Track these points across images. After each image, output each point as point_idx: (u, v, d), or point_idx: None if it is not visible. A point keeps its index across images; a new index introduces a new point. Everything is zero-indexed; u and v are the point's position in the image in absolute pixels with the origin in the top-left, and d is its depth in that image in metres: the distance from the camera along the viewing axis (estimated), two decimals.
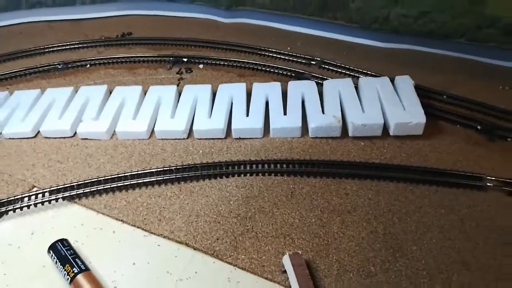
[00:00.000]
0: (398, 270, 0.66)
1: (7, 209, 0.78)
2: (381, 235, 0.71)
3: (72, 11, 1.51)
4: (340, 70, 1.15)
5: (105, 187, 0.81)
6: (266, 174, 0.84)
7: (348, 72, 1.14)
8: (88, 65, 1.23)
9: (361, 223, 0.74)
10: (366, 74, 1.12)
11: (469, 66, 1.13)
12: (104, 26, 1.48)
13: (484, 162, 0.85)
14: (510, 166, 0.83)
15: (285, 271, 0.65)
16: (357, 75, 1.12)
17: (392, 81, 1.03)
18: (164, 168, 0.84)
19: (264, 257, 0.68)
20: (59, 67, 1.22)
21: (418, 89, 1.03)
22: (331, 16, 1.25)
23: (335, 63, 1.18)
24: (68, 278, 0.65)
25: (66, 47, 1.33)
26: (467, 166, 0.84)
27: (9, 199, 0.80)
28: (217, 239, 0.71)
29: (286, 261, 0.66)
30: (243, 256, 0.69)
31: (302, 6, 1.28)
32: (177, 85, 1.10)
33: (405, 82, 0.99)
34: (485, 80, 1.08)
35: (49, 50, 1.31)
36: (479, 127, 0.93)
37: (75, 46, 1.33)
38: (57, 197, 0.79)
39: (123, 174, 0.83)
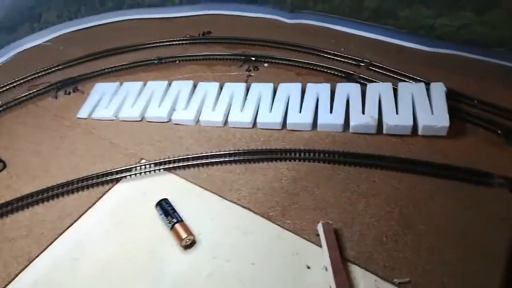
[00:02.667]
0: (404, 242, 0.87)
1: (125, 175, 1.11)
2: (396, 215, 0.93)
3: (163, 11, 1.81)
4: (385, 73, 1.33)
5: (192, 162, 1.10)
6: (311, 160, 1.08)
7: (392, 75, 1.31)
8: (177, 61, 1.53)
9: (382, 205, 0.95)
10: (408, 77, 1.28)
11: (505, 73, 1.25)
12: (189, 25, 1.77)
13: (496, 163, 1.00)
14: None
15: (318, 235, 0.90)
16: (400, 77, 1.29)
17: (429, 85, 1.19)
18: (235, 151, 1.12)
19: (304, 223, 0.94)
20: (155, 62, 1.54)
21: (453, 93, 1.19)
22: (383, 22, 1.41)
23: (381, 65, 1.35)
24: (169, 226, 0.95)
25: (160, 44, 1.64)
26: (481, 164, 1.00)
27: (126, 167, 1.12)
28: (271, 207, 0.97)
29: (320, 227, 0.90)
30: (288, 221, 0.94)
31: (357, 11, 1.45)
32: (246, 81, 1.36)
33: (438, 88, 1.15)
34: None
35: (147, 46, 1.63)
36: (499, 131, 1.07)
37: (167, 43, 1.64)
38: (159, 168, 1.10)
39: (205, 154, 1.12)
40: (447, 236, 0.88)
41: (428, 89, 1.16)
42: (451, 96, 1.18)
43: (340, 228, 0.92)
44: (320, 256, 0.87)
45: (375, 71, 1.34)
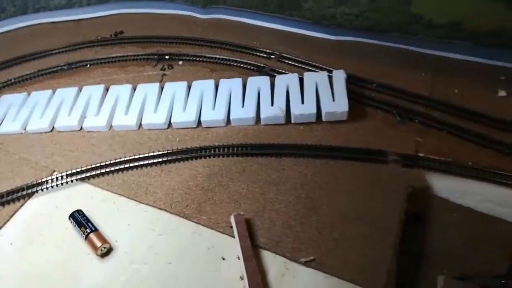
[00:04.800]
0: (310, 223, 0.94)
1: (37, 189, 1.08)
2: (303, 199, 0.99)
3: (71, 13, 1.74)
4: (294, 63, 1.39)
5: (106, 170, 1.09)
6: (225, 156, 1.11)
7: (300, 65, 1.38)
8: (88, 65, 1.49)
9: (290, 191, 1.01)
10: (314, 66, 1.35)
11: (401, 56, 1.36)
12: (100, 26, 1.71)
13: (391, 141, 1.10)
14: (410, 144, 1.09)
15: (231, 226, 0.94)
16: (307, 67, 1.35)
17: (331, 72, 1.26)
18: (149, 154, 1.12)
19: (219, 217, 0.97)
20: (65, 68, 1.48)
21: (354, 78, 1.28)
22: (288, 14, 1.47)
23: (290, 57, 1.41)
24: (83, 236, 0.94)
25: (69, 49, 1.57)
26: (378, 144, 1.10)
27: (37, 181, 1.09)
28: (186, 206, 1.00)
29: (232, 219, 0.94)
30: (204, 217, 0.97)
31: (264, 4, 1.49)
32: (160, 81, 1.36)
33: (339, 75, 1.23)
34: (412, 68, 1.31)
35: (56, 52, 1.56)
36: (394, 111, 1.17)
37: (77, 47, 1.58)
38: (72, 179, 1.08)
39: (119, 160, 1.11)
40: (347, 213, 0.95)
41: (330, 77, 1.24)
42: (352, 81, 1.26)
43: (252, 218, 0.96)
44: (234, 247, 0.91)
45: (285, 62, 1.40)
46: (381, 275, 0.84)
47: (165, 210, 1.00)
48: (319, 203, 0.98)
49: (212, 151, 1.12)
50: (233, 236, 0.93)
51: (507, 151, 1.04)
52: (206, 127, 1.21)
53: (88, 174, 1.09)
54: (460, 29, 1.24)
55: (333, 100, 1.17)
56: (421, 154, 1.06)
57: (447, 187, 1.02)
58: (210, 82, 1.30)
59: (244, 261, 0.86)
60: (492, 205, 0.97)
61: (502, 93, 1.20)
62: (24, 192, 1.06)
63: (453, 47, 1.29)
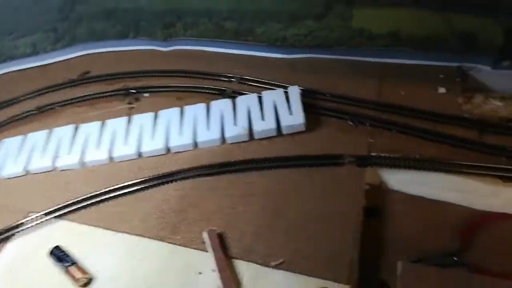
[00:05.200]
0: (278, 229, 1.01)
1: (16, 231, 1.11)
2: (270, 207, 1.06)
3: (37, 59, 1.80)
4: (253, 84, 1.48)
5: (81, 204, 1.14)
6: (196, 177, 1.18)
7: (259, 85, 1.47)
8: (57, 107, 1.55)
9: (258, 202, 1.08)
10: (272, 84, 1.44)
11: (349, 67, 1.47)
12: (66, 68, 1.78)
13: (346, 144, 1.19)
14: (363, 145, 1.18)
15: (204, 242, 1.00)
16: (266, 86, 1.45)
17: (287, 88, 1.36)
18: (122, 184, 1.18)
19: (193, 235, 1.03)
20: (35, 112, 1.53)
21: (309, 92, 1.37)
22: (244, 39, 1.57)
23: (250, 78, 1.50)
24: (64, 270, 0.98)
25: (38, 93, 1.63)
26: (335, 149, 1.18)
27: (14, 224, 1.13)
28: (161, 229, 1.05)
29: (205, 235, 1.00)
30: (179, 237, 1.03)
31: (220, 32, 1.59)
32: (128, 115, 1.43)
33: (294, 90, 1.32)
34: (360, 77, 1.41)
35: (25, 98, 1.62)
36: (347, 117, 1.27)
37: (45, 91, 1.64)
38: (48, 217, 1.12)
39: (94, 193, 1.16)
40: (311, 215, 1.03)
41: (286, 93, 1.33)
42: (307, 95, 1.36)
43: (224, 231, 1.03)
44: (209, 261, 0.96)
45: (245, 84, 1.49)
46: (344, 267, 0.91)
47: (142, 236, 1.05)
48: (285, 209, 1.05)
49: (182, 175, 1.19)
50: (207, 251, 0.99)
51: (449, 142, 1.15)
52: (175, 152, 1.27)
53: (63, 211, 1.13)
54: (399, 38, 1.36)
55: (291, 113, 1.26)
56: (373, 154, 1.15)
57: (399, 180, 1.10)
58: (176, 110, 1.37)
59: (218, 272, 0.92)
60: (440, 191, 1.06)
61: (442, 90, 1.32)
62: (3, 236, 1.10)
63: (395, 54, 1.41)
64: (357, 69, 1.45)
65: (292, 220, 1.03)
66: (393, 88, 1.35)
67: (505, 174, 1.04)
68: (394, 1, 1.28)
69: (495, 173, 1.05)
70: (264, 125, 1.25)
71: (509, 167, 1.06)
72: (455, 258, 0.94)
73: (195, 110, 1.36)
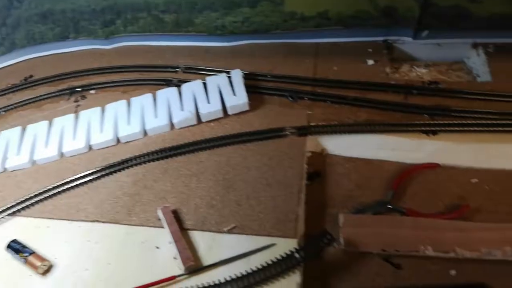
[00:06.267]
0: (229, 199, 1.07)
1: None
2: (221, 181, 1.13)
3: None
4: (198, 72, 1.53)
5: (35, 200, 1.15)
6: (147, 162, 1.22)
7: (204, 72, 1.52)
8: (3, 112, 1.52)
9: (209, 178, 1.14)
10: (216, 71, 1.50)
11: (286, 49, 1.55)
12: (8, 74, 1.74)
13: (288, 118, 1.27)
14: (302, 117, 1.27)
15: (159, 219, 1.04)
16: (210, 73, 1.50)
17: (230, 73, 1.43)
18: (74, 177, 1.20)
19: (148, 215, 1.07)
20: None
21: (251, 74, 1.45)
22: (185, 30, 1.62)
23: (194, 67, 1.56)
24: (23, 261, 1.00)
25: None
26: (278, 123, 1.26)
27: None
28: (117, 212, 1.09)
29: (159, 212, 1.05)
30: (134, 218, 1.07)
31: (161, 26, 1.63)
32: (75, 112, 1.43)
33: (237, 74, 1.39)
34: (297, 57, 1.51)
35: None
36: (287, 94, 1.35)
37: None
38: (2, 216, 1.12)
39: (47, 188, 1.17)
40: (258, 184, 1.10)
41: (230, 77, 1.40)
42: (250, 77, 1.44)
43: (179, 207, 1.08)
44: (165, 235, 1.01)
45: (190, 73, 1.54)
46: (290, 223, 0.99)
47: (97, 221, 1.08)
48: (235, 181, 1.12)
49: (134, 161, 1.22)
50: (163, 227, 1.04)
51: (379, 106, 1.26)
52: (125, 142, 1.31)
53: (17, 208, 1.14)
54: (328, 18, 1.46)
55: (234, 95, 1.33)
56: (312, 124, 1.24)
57: (337, 144, 1.20)
58: (122, 102, 1.40)
59: (175, 242, 0.97)
60: (373, 151, 1.17)
61: (371, 62, 1.43)
62: None
63: (327, 33, 1.51)
64: (294, 50, 1.55)
65: (242, 190, 1.10)
66: (327, 65, 1.45)
67: (428, 129, 1.17)
68: None
69: (419, 129, 1.18)
70: (210, 108, 1.31)
71: (431, 122, 1.19)
72: (389, 206, 1.05)
73: (142, 100, 1.39)
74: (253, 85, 1.41)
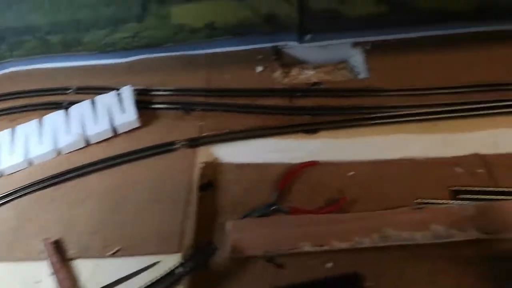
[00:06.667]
0: (114, 222, 1.05)
1: None
2: (107, 204, 1.10)
3: None
4: (91, 92, 1.49)
5: None
6: (31, 192, 1.16)
7: (97, 91, 1.47)
8: None
9: (96, 201, 1.11)
10: (109, 89, 1.46)
11: (180, 61, 1.56)
12: None
13: (180, 131, 1.28)
14: (194, 129, 1.28)
15: (42, 252, 1.00)
16: (103, 91, 1.47)
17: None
18: None
19: (31, 249, 1.01)
20: None
21: (144, 90, 1.44)
22: (74, 50, 1.57)
23: (86, 87, 1.51)
24: None
25: None
26: (170, 137, 1.26)
27: None
28: None
29: (41, 244, 1.00)
30: (16, 253, 1.01)
31: (48, 48, 1.57)
32: None
33: (127, 90, 1.37)
34: (191, 69, 1.52)
35: None
36: (180, 106, 1.36)
37: None
38: None
39: None
40: (146, 202, 1.09)
41: (119, 94, 1.38)
42: (143, 93, 1.43)
43: (62, 237, 1.04)
44: (46, 268, 0.97)
45: (82, 93, 1.49)
46: (175, 238, 0.99)
47: None
48: (122, 201, 1.10)
49: (17, 194, 1.16)
50: (46, 259, 0.99)
51: (266, 111, 1.30)
52: (9, 174, 1.24)
53: None
54: (215, 28, 1.49)
55: (123, 112, 1.31)
56: (204, 134, 1.26)
57: (228, 153, 1.23)
58: (6, 132, 1.33)
59: (55, 274, 0.93)
60: (262, 155, 1.21)
61: (260, 68, 1.48)
62: None
63: (218, 43, 1.54)
64: (188, 62, 1.56)
65: (128, 211, 1.08)
66: (219, 75, 1.48)
67: (309, 128, 1.23)
68: None
69: (301, 129, 1.23)
70: (98, 128, 1.28)
71: (311, 122, 1.25)
72: (274, 207, 1.08)
73: (26, 128, 1.33)
74: (146, 100, 1.40)
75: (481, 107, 1.20)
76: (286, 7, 1.41)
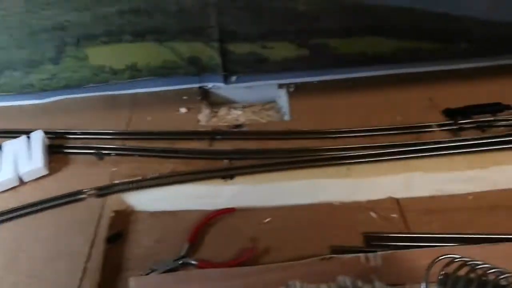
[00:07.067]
0: (6, 280, 0.95)
1: None
2: (1, 262, 1.01)
3: None
4: (2, 136, 1.40)
5: None
6: None
7: (9, 135, 1.39)
8: None
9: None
10: (24, 132, 1.38)
11: (101, 102, 1.51)
12: None
13: (90, 178, 1.20)
14: (105, 176, 1.21)
15: None
16: (15, 135, 1.38)
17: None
18: None
19: None
20: None
21: (59, 133, 1.36)
22: None
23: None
24: None
25: None
26: (79, 185, 1.18)
27: None
28: None
29: None
30: None
31: None
32: None
33: (37, 135, 1.30)
34: (112, 110, 1.47)
35: None
36: (93, 151, 1.30)
37: None
38: None
39: None
40: (43, 258, 0.99)
41: (29, 138, 1.30)
42: (58, 136, 1.35)
43: None
44: None
45: None
46: None
47: None
48: (18, 259, 0.99)
49: None
50: None
51: (184, 155, 1.25)
52: None
53: None
54: (138, 69, 1.46)
55: (30, 159, 1.23)
56: (116, 181, 1.20)
57: (142, 200, 1.17)
58: None
59: None
60: (177, 202, 1.16)
61: (183, 110, 1.46)
62: None
63: (143, 83, 1.50)
64: (111, 103, 1.51)
65: (23, 269, 0.98)
66: (141, 116, 1.44)
67: (226, 173, 1.20)
68: (122, 38, 1.37)
69: (218, 174, 1.20)
70: (1, 177, 1.19)
71: (229, 167, 1.23)
72: (182, 261, 1.03)
73: None
74: (60, 144, 1.33)
75: (394, 151, 1.22)
76: (208, 50, 1.41)
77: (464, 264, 0.72)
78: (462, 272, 0.72)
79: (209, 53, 1.42)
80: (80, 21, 1.30)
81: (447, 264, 0.75)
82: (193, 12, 1.28)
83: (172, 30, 1.34)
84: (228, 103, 1.59)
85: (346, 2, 1.28)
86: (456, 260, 0.75)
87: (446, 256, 0.78)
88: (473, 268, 0.70)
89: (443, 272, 0.74)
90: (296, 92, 1.51)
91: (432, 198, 1.16)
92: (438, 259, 0.77)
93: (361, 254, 0.98)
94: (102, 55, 1.42)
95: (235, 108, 1.57)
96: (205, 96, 1.54)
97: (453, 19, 1.36)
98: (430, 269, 0.76)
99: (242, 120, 1.50)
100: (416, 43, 1.42)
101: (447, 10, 1.32)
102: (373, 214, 1.13)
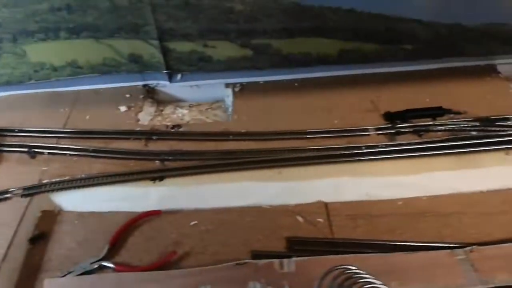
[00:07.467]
0: None
1: None
2: None
3: None
4: None
5: None
6: None
7: None
8: None
9: None
10: None
11: (44, 99, 1.48)
12: None
13: (19, 177, 1.19)
14: (35, 175, 1.19)
15: None
16: None
17: None
18: None
19: None
20: None
21: None
22: None
23: None
24: None
25: None
26: (8, 184, 1.17)
27: None
28: None
29: None
30: None
31: None
32: None
33: None
34: (53, 108, 1.44)
35: None
36: (26, 149, 1.28)
37: None
38: None
39: None
40: None
41: None
42: None
43: None
44: None
45: None
46: None
47: None
48: None
49: None
50: None
51: (117, 156, 1.24)
52: None
53: None
54: (79, 66, 1.43)
55: None
56: (44, 181, 1.18)
57: (70, 201, 1.16)
58: None
59: None
60: (104, 204, 1.15)
61: (123, 108, 1.44)
62: None
63: (86, 80, 1.48)
64: (52, 100, 1.48)
65: None
66: (81, 114, 1.42)
67: (155, 175, 1.18)
68: (59, 35, 1.34)
69: (148, 176, 1.18)
70: None
71: (160, 168, 1.21)
72: (100, 263, 1.02)
73: None
74: None
75: (326, 155, 1.21)
76: (148, 48, 1.39)
77: (350, 276, 0.72)
78: (347, 283, 0.72)
79: (149, 51, 1.39)
80: (13, 18, 1.27)
81: (338, 276, 0.76)
82: (127, 9, 1.25)
83: (107, 28, 1.31)
84: (176, 101, 1.57)
85: (283, 3, 1.26)
86: (346, 272, 0.76)
87: (340, 267, 0.79)
88: (356, 281, 0.70)
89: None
90: (241, 92, 1.49)
91: (360, 203, 1.16)
92: (331, 270, 0.79)
93: (275, 260, 0.99)
94: (41, 52, 1.39)
95: (181, 107, 1.55)
96: (151, 94, 1.52)
97: (395, 20, 1.35)
98: (322, 280, 0.77)
99: (187, 119, 1.49)
100: (359, 44, 1.40)
101: (387, 11, 1.31)
102: (299, 218, 1.13)
